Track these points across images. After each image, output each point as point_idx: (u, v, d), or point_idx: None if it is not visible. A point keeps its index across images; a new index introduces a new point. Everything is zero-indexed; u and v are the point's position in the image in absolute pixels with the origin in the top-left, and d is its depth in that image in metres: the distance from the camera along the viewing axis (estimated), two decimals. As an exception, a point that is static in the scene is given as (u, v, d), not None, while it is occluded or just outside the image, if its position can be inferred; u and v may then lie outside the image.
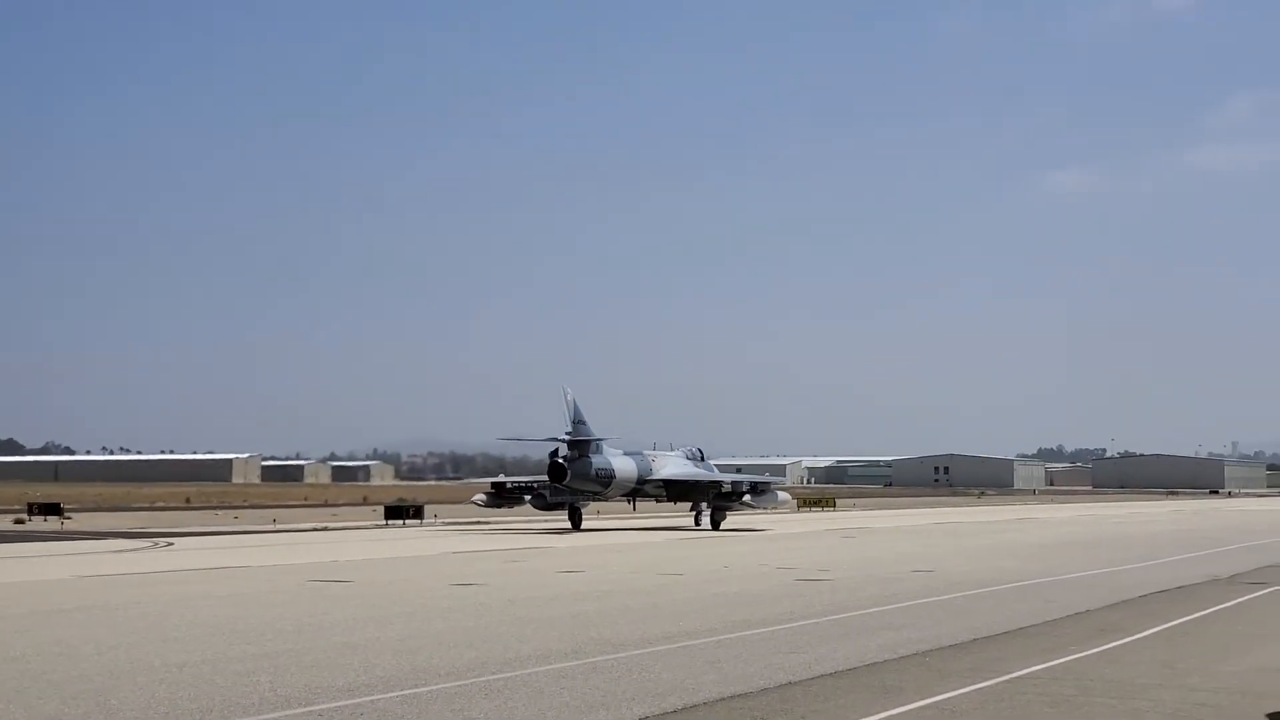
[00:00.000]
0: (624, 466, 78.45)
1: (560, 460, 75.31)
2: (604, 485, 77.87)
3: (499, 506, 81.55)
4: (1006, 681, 19.23)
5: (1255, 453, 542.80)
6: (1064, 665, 20.90)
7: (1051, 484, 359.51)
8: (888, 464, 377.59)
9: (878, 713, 16.80)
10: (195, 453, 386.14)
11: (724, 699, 17.73)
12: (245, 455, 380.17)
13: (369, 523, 79.91)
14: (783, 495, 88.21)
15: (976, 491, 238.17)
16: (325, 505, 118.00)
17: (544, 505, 78.64)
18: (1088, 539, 65.43)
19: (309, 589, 34.39)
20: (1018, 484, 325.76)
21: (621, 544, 58.86)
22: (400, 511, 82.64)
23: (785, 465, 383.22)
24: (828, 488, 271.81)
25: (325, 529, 72.39)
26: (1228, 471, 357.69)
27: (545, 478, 77.43)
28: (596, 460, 76.48)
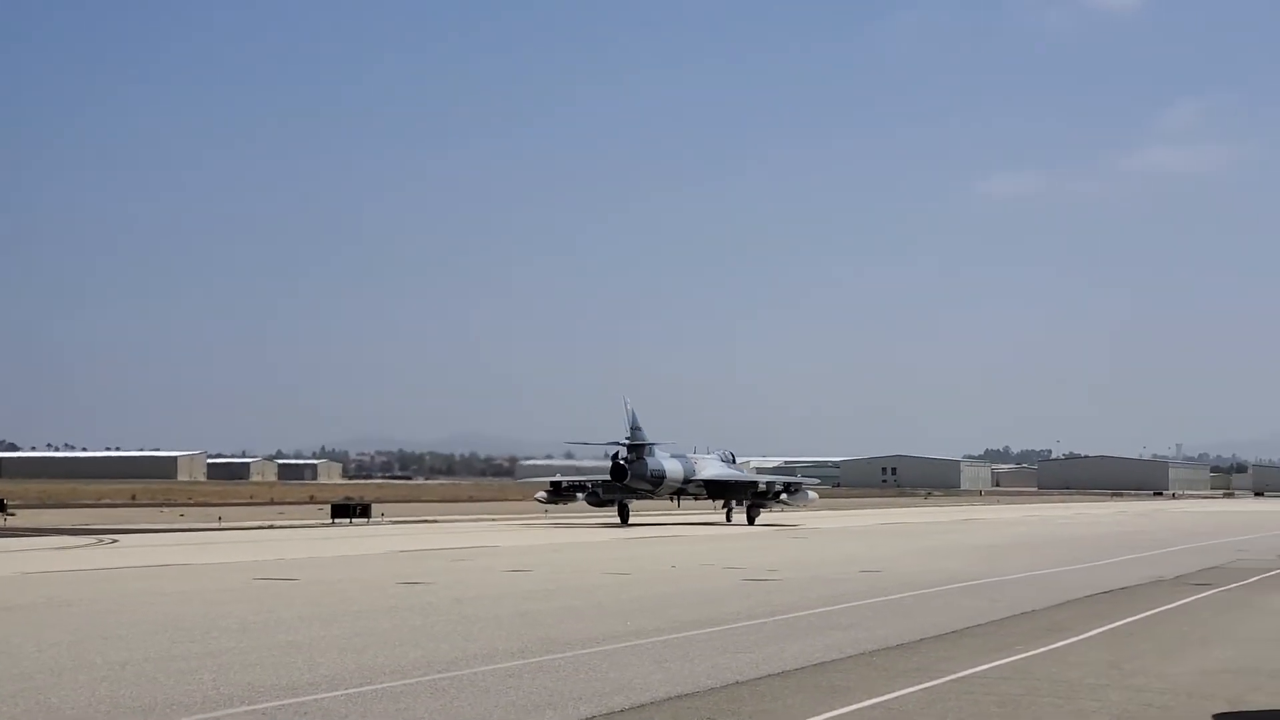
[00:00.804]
0: (673, 468, 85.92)
1: (621, 462, 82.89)
2: (656, 485, 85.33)
3: (556, 503, 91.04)
4: (953, 681, 19.25)
5: (1199, 455, 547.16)
6: (1011, 665, 20.95)
7: (997, 485, 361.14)
8: (836, 465, 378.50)
9: (824, 712, 16.77)
10: (141, 450, 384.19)
11: (671, 698, 17.67)
12: (191, 452, 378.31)
13: (315, 521, 79.48)
14: (812, 495, 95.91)
15: (924, 492, 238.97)
16: (271, 503, 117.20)
17: (597, 502, 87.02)
18: (1033, 540, 65.80)
19: (254, 587, 34.16)
20: (964, 485, 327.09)
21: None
22: (347, 510, 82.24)
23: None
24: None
25: (271, 527, 71.93)
26: (1172, 473, 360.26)
27: (597, 478, 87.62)
28: (651, 462, 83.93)
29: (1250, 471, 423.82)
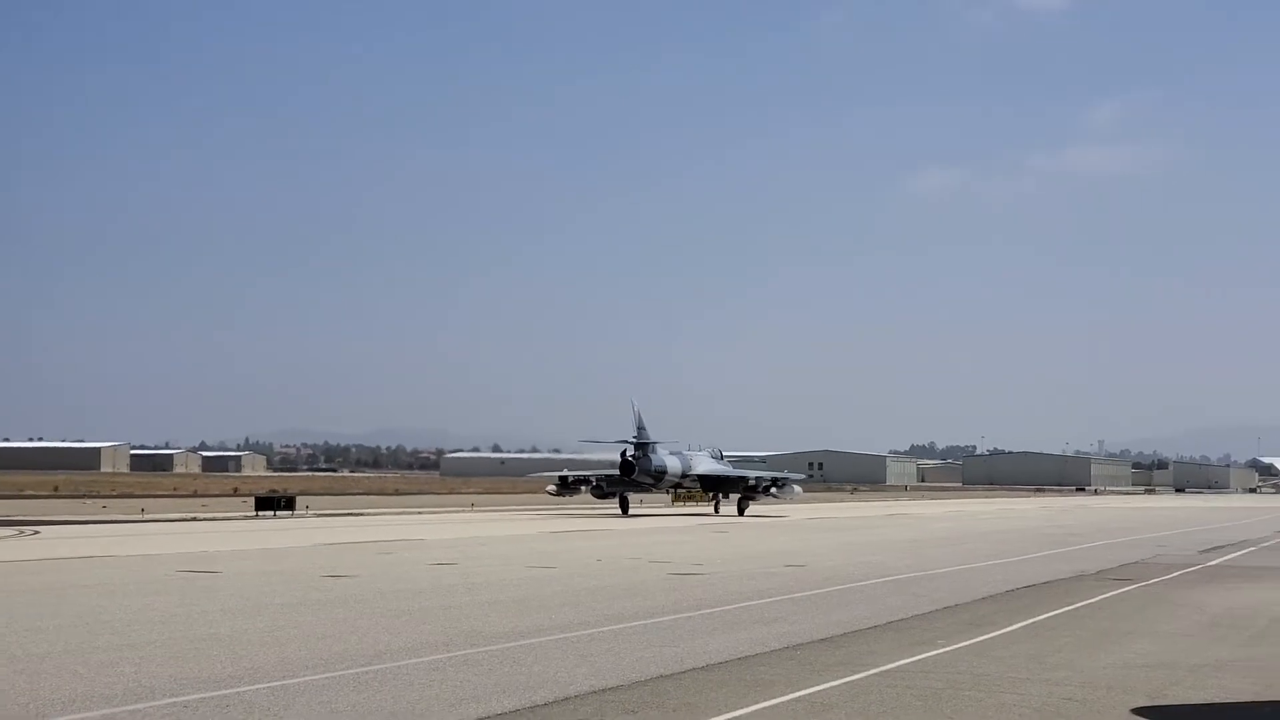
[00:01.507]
0: (672, 464, 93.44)
1: (630, 459, 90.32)
2: (658, 480, 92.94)
3: (564, 495, 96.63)
4: (876, 675, 19.33)
5: (1121, 451, 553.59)
6: (934, 659, 21.06)
7: (923, 480, 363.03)
8: (763, 460, 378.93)
9: (748, 706, 16.81)
10: (64, 441, 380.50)
11: (595, 692, 17.67)
12: (114, 444, 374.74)
13: (239, 513, 78.90)
14: (798, 489, 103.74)
15: (850, 487, 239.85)
16: (195, 495, 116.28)
17: (601, 495, 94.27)
18: (958, 535, 66.18)
19: (178, 579, 33.90)
20: (890, 480, 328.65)
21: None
22: (272, 502, 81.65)
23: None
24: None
25: (195, 519, 71.39)
26: (1094, 469, 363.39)
27: (601, 472, 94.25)
28: (654, 459, 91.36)
29: (1171, 468, 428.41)
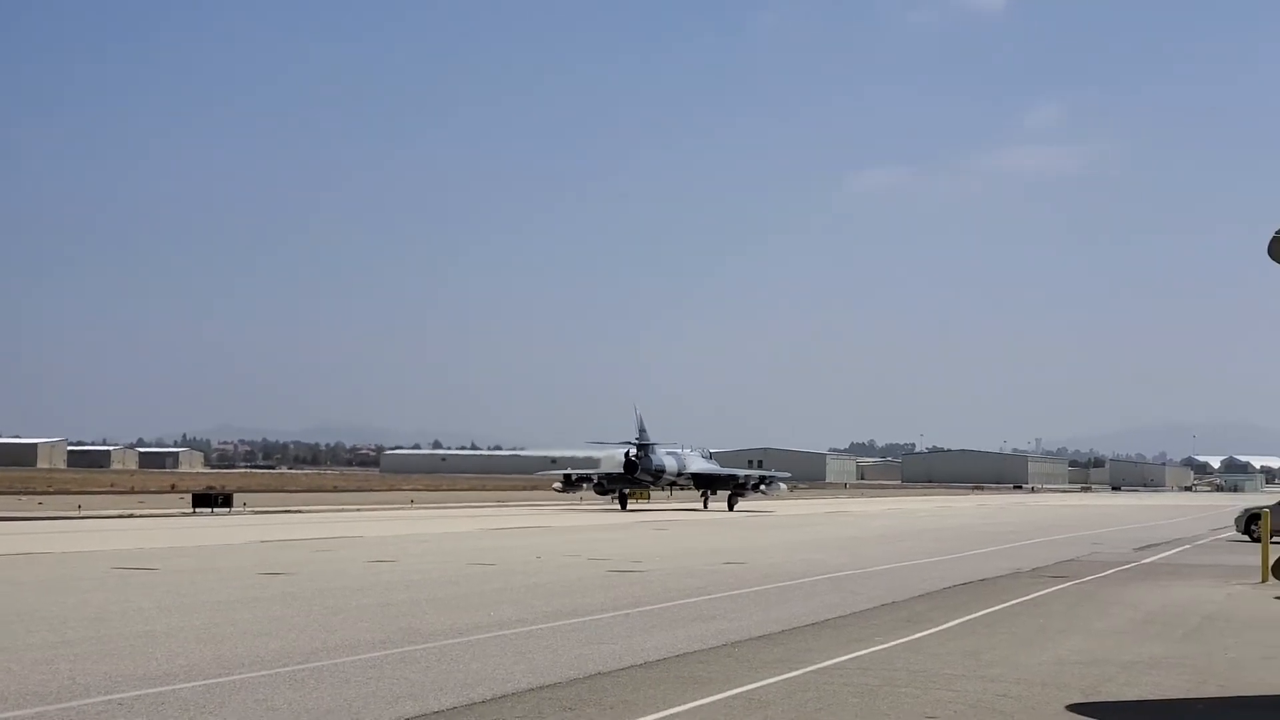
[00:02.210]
0: (670, 463, 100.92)
1: (633, 459, 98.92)
2: (656, 478, 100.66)
3: (568, 492, 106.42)
4: (814, 672, 19.41)
5: (1058, 449, 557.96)
6: (871, 656, 21.16)
7: (863, 478, 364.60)
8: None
9: (686, 703, 16.84)
10: (0, 437, 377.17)
11: (533, 689, 17.67)
12: (51, 440, 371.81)
13: (177, 510, 78.38)
14: (783, 486, 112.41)
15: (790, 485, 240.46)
16: (132, 492, 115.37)
17: (602, 491, 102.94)
18: (897, 532, 66.46)
19: (113, 576, 33.66)
20: (830, 478, 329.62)
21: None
22: (209, 499, 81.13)
23: (600, 458, 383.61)
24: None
25: (132, 516, 70.89)
26: (1031, 467, 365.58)
27: (603, 470, 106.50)
28: (654, 458, 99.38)
29: (1107, 466, 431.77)
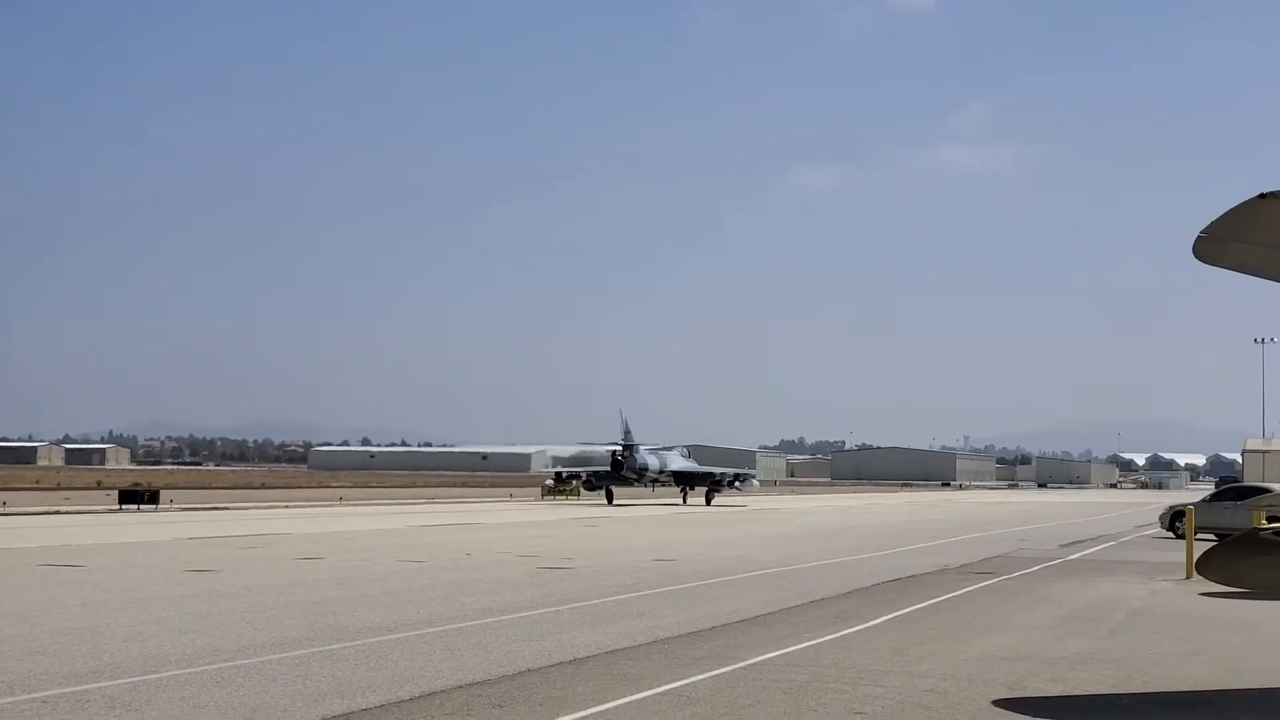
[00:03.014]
0: (652, 462, 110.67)
1: (620, 458, 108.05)
2: (640, 475, 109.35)
3: (561, 487, 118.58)
4: (743, 668, 19.45)
5: (985, 446, 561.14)
6: (799, 652, 21.22)
7: (792, 475, 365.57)
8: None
9: (615, 700, 16.84)
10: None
11: (462, 686, 17.62)
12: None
13: (103, 507, 77.71)
14: (755, 483, 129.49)
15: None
16: (58, 488, 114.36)
17: (591, 488, 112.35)
18: (826, 529, 66.70)
19: (38, 573, 33.34)
20: (760, 475, 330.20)
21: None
22: (135, 496, 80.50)
23: (530, 454, 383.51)
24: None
25: (57, 512, 70.18)
26: (959, 464, 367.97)
27: (592, 468, 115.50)
28: (638, 457, 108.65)
29: (1034, 463, 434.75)
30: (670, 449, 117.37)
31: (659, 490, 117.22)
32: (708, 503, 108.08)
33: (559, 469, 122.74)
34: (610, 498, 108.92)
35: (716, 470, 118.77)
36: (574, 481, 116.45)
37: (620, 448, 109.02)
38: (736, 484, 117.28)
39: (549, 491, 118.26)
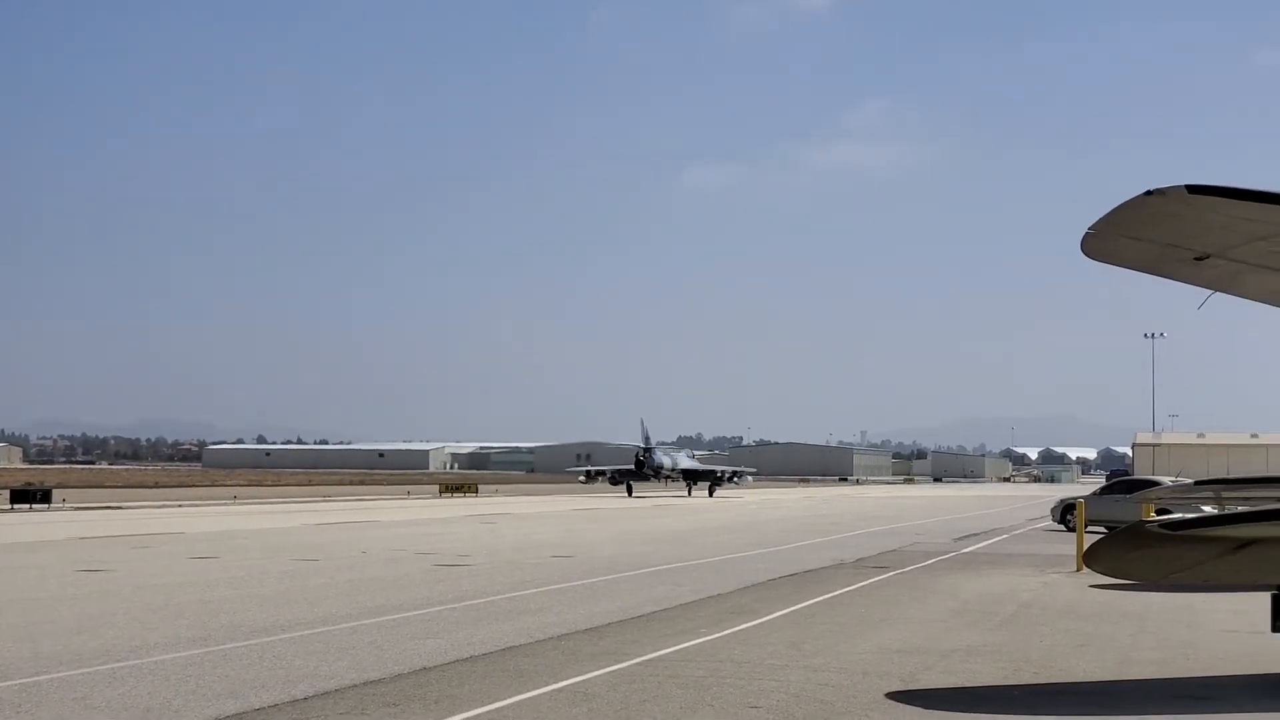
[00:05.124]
0: (667, 461, 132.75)
1: (640, 458, 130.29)
2: (656, 473, 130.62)
3: (589, 483, 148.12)
4: (640, 664, 19.49)
5: (882, 442, 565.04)
6: (696, 647, 21.30)
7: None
8: (530, 451, 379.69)
9: (512, 696, 16.83)
10: None
11: (356, 685, 17.54)
12: None
13: (-8, 507, 76.58)
14: (749, 479, 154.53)
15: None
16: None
17: (614, 483, 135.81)
18: (723, 524, 66.92)
19: (-77, 576, 32.83)
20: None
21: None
22: (27, 495, 79.37)
23: (429, 451, 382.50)
24: (470, 473, 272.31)
25: (-56, 513, 69.11)
26: (856, 459, 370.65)
27: (616, 466, 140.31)
28: (656, 457, 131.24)
29: (930, 458, 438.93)
30: (679, 451, 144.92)
31: (670, 485, 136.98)
32: (710, 494, 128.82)
33: (588, 468, 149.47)
34: (630, 491, 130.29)
35: (717, 468, 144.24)
36: (600, 478, 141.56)
37: (641, 449, 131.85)
38: (734, 480, 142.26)
39: (590, 479, 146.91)
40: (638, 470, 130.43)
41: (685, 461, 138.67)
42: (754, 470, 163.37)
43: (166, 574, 33.64)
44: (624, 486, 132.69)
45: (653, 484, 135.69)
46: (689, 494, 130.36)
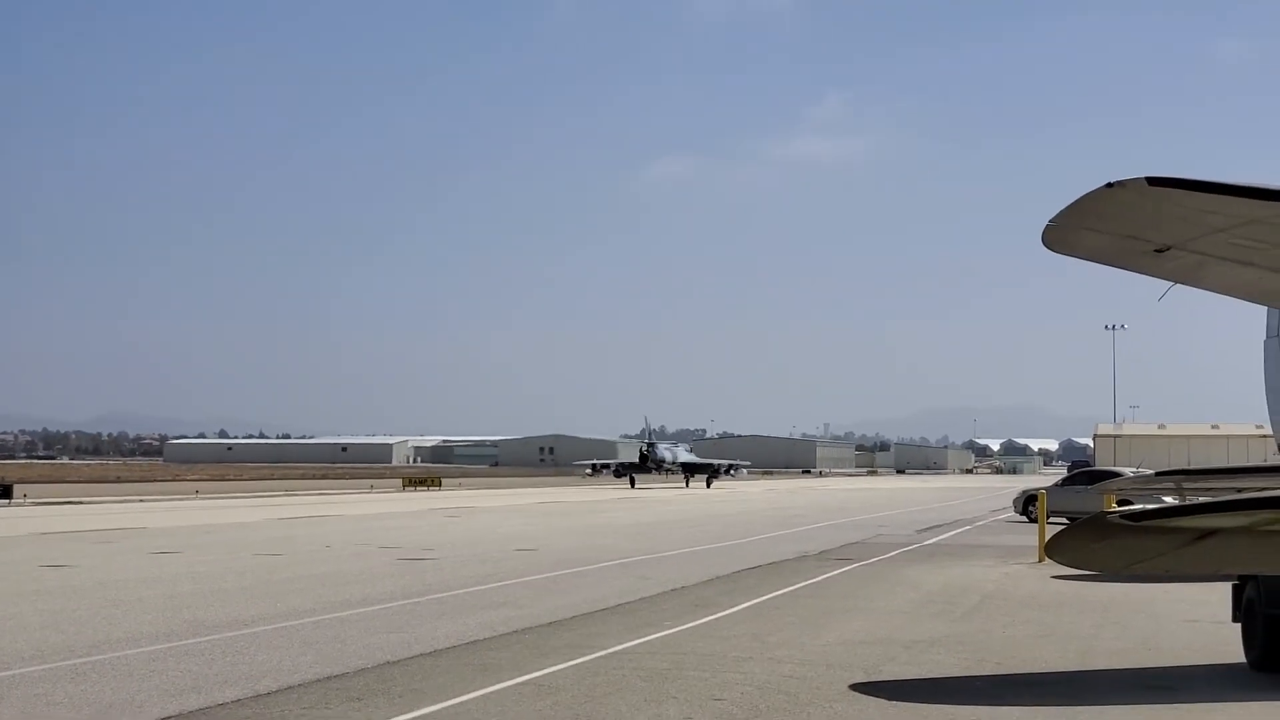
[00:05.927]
0: (669, 455, 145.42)
1: (644, 453, 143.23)
2: (659, 466, 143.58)
3: (594, 476, 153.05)
4: (603, 657, 19.52)
5: (845, 434, 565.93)
6: (660, 640, 21.34)
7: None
8: (494, 444, 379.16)
9: (476, 690, 16.83)
10: None
11: (320, 680, 17.51)
12: None
13: (-48, 503, 76.10)
14: (745, 471, 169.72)
15: (586, 472, 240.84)
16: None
17: (619, 476, 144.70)
18: (687, 517, 66.98)
19: (-117, 572, 32.62)
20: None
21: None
22: (-13, 491, 78.98)
23: (392, 444, 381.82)
24: (434, 467, 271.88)
25: (-96, 509, 68.68)
26: (819, 452, 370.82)
27: (620, 460, 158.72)
28: (658, 452, 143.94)
29: (893, 450, 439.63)
30: (678, 445, 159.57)
31: (670, 477, 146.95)
32: (708, 486, 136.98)
33: (594, 461, 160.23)
34: (633, 483, 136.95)
35: (714, 461, 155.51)
36: (605, 471, 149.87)
37: (645, 444, 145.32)
38: (730, 472, 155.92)
39: (595, 472, 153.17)
40: (642, 463, 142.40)
41: (685, 455, 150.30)
42: (749, 463, 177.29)
43: (129, 569, 33.49)
44: (628, 479, 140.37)
45: (653, 476, 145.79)
46: (687, 484, 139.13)
